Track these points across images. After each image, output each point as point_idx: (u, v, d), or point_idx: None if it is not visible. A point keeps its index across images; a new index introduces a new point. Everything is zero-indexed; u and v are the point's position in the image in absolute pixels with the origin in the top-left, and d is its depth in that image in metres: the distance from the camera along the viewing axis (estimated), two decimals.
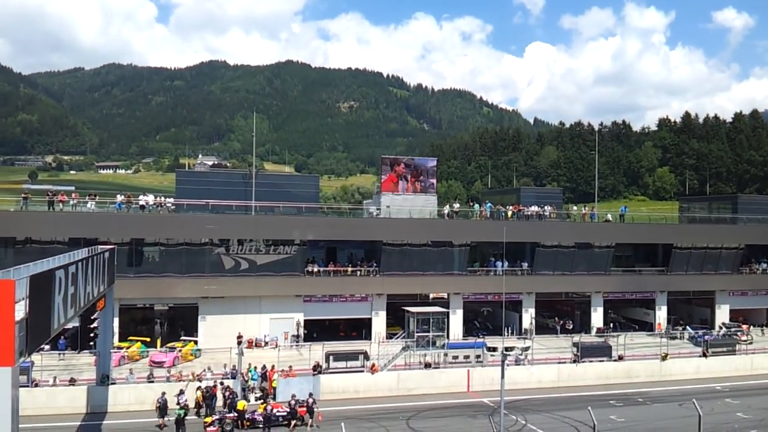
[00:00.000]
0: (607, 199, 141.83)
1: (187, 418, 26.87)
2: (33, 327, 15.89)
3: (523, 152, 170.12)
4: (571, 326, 49.16)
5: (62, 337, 37.26)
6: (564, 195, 68.09)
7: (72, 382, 31.03)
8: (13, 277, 15.09)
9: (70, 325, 31.42)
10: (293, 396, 29.11)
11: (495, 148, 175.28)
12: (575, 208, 56.86)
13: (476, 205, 51.96)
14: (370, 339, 43.64)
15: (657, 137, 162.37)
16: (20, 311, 15.12)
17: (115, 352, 34.77)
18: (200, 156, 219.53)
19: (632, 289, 51.57)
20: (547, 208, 50.89)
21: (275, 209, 44.59)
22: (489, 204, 51.35)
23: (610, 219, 53.72)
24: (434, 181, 50.21)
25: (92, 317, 29.09)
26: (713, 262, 52.21)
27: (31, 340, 15.89)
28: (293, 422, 27.91)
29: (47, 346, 33.98)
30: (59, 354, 37.20)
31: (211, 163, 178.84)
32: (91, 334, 27.59)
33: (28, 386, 28.92)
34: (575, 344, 39.23)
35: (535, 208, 50.24)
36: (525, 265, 48.61)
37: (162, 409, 27.88)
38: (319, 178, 57.16)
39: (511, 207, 50.13)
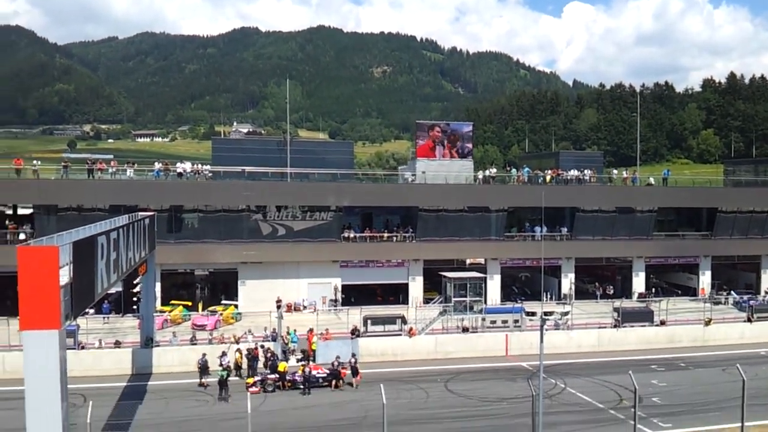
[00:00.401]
0: (649, 162, 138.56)
1: (229, 379, 27.42)
2: (77, 291, 16.25)
3: (561, 115, 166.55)
4: (611, 291, 48.44)
5: (106, 301, 38.21)
6: (604, 159, 66.68)
7: (117, 344, 31.87)
8: (57, 243, 15.36)
9: (113, 290, 32.18)
10: (337, 357, 29.56)
11: (533, 112, 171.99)
12: (616, 171, 55.48)
13: (513, 170, 51.17)
14: (407, 304, 43.75)
15: (701, 99, 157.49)
16: (65, 276, 15.47)
17: (158, 316, 35.53)
18: (235, 123, 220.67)
19: (675, 253, 50.49)
20: (587, 172, 49.84)
21: (310, 176, 44.64)
22: (527, 168, 50.53)
23: (653, 183, 52.38)
24: (470, 146, 49.54)
25: (135, 282, 29.76)
26: (759, 226, 50.69)
27: (76, 304, 16.26)
28: (334, 382, 28.37)
29: (92, 311, 34.88)
30: (104, 318, 38.19)
31: (245, 130, 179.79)
32: (135, 299, 28.20)
33: (74, 349, 29.73)
34: (616, 309, 38.69)
35: (574, 173, 49.27)
36: (564, 230, 47.91)
37: (203, 369, 28.59)
38: (353, 144, 57.07)
39: (549, 171, 49.24)
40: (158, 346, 31.59)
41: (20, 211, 47.65)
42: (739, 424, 19.08)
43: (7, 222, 42.36)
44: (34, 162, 42.61)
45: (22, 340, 14.80)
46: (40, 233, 34.58)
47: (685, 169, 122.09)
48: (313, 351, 31.91)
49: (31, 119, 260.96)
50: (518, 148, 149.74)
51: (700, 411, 26.13)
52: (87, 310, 29.28)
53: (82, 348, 30.98)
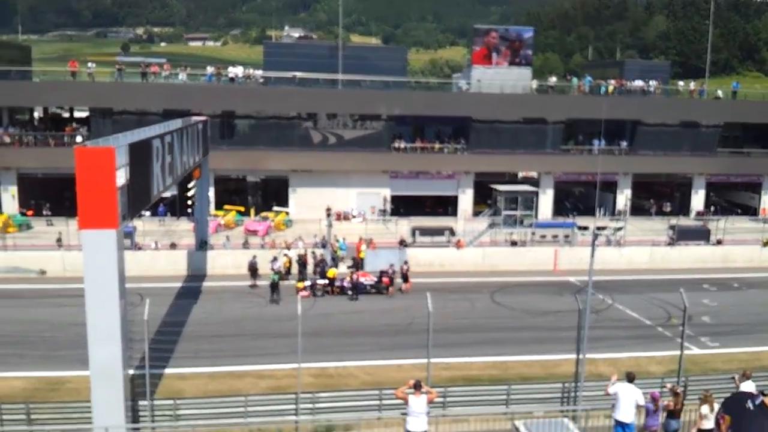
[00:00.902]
0: (718, 74, 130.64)
1: (280, 282, 28.24)
2: (133, 192, 16.52)
3: (629, 22, 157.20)
4: (669, 209, 47.03)
5: (162, 204, 39.32)
6: (672, 69, 63.14)
7: (173, 246, 33.00)
8: (113, 145, 15.50)
9: (168, 193, 32.98)
10: (391, 265, 30.18)
11: (598, 17, 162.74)
12: (682, 83, 52.61)
13: (574, 79, 49.09)
14: (456, 216, 43.61)
15: None
16: (121, 177, 15.70)
17: (212, 220, 36.41)
18: (287, 28, 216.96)
19: (738, 171, 48.35)
20: (653, 83, 47.32)
21: (362, 83, 43.83)
22: (588, 78, 48.27)
23: (721, 96, 49.57)
24: (530, 52, 47.46)
25: (189, 186, 30.34)
26: None
27: (132, 205, 16.60)
28: (390, 288, 29.31)
29: (148, 213, 36.04)
30: (160, 220, 39.43)
31: (297, 35, 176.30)
32: (189, 203, 28.81)
33: (131, 249, 30.90)
34: (671, 227, 37.75)
35: (639, 83, 46.90)
36: (624, 144, 46.26)
37: (253, 270, 29.54)
38: (406, 50, 55.52)
39: (612, 81, 46.98)
40: (212, 249, 32.61)
41: (76, 114, 48.80)
42: None
43: (66, 125, 43.50)
44: (89, 65, 43.05)
45: (81, 239, 15.19)
46: (96, 136, 35.22)
47: (756, 83, 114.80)
48: (362, 259, 32.40)
49: (85, 21, 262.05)
50: (581, 57, 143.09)
51: (750, 332, 25.72)
52: (143, 213, 30.31)
53: (139, 249, 32.19)
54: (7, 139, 40.80)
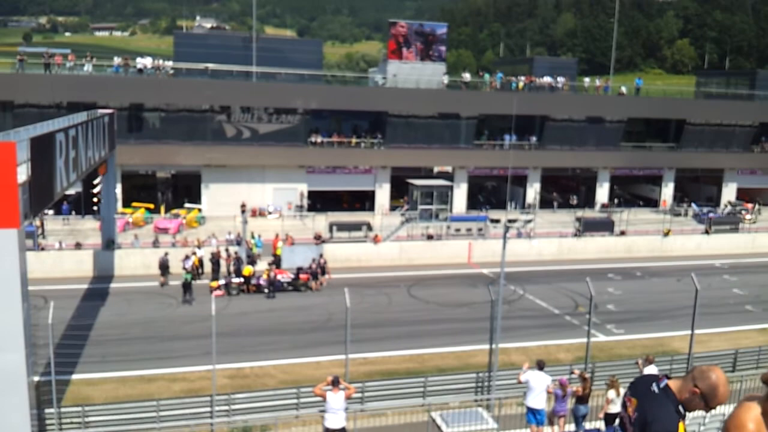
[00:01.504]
0: (623, 71, 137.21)
1: (192, 282, 27.51)
2: (36, 189, 15.82)
3: (539, 19, 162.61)
4: (575, 202, 49.10)
5: (65, 202, 37.36)
6: (579, 66, 65.65)
7: (78, 246, 31.44)
8: (14, 139, 14.76)
9: (72, 191, 31.46)
10: (314, 259, 30.29)
11: (509, 14, 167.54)
12: (588, 80, 54.95)
13: (486, 75, 50.25)
14: (374, 211, 43.81)
15: (680, 7, 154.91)
16: (22, 174, 15.00)
17: (120, 218, 34.96)
18: (198, 18, 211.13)
19: (640, 165, 51.01)
20: (560, 79, 49.11)
21: (277, 76, 43.18)
22: (500, 74, 49.61)
23: (624, 92, 52.08)
24: (444, 48, 48.15)
25: (95, 183, 29.03)
26: (725, 140, 51.28)
27: (35, 202, 15.88)
28: (315, 282, 29.52)
29: (51, 211, 34.22)
30: (63, 219, 37.49)
31: (209, 25, 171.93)
32: (94, 199, 27.58)
33: (34, 250, 29.32)
34: (578, 219, 39.36)
35: (548, 79, 48.52)
36: (533, 139, 47.81)
37: (164, 267, 28.72)
38: (322, 43, 55.16)
39: (522, 78, 48.42)
40: (120, 248, 31.29)
41: None
42: (689, 332, 19.87)
43: None
44: None
45: None
46: None
47: (657, 80, 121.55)
48: (278, 256, 32.02)
49: None
50: (493, 53, 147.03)
51: (653, 318, 27.22)
52: (46, 211, 28.77)
53: (42, 249, 30.54)
54: None
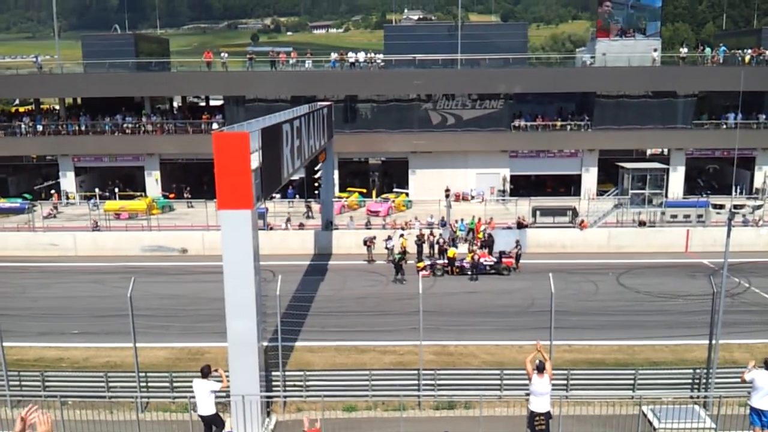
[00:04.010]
0: None
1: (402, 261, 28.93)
2: (266, 175, 17.14)
3: None
4: None
5: (291, 186, 41.22)
6: None
7: (301, 227, 34.64)
8: (247, 130, 16.07)
9: (296, 176, 34.51)
10: (517, 241, 30.59)
11: None
12: None
13: (707, 50, 45.93)
14: (579, 196, 42.39)
15: None
16: (255, 161, 16.32)
17: (336, 202, 37.78)
18: (405, 10, 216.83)
19: None
20: None
21: (481, 62, 43.43)
22: (723, 48, 45.05)
23: None
24: (659, 23, 44.88)
25: (315, 168, 31.60)
26: None
27: (266, 186, 17.33)
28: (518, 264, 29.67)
29: (278, 195, 37.92)
30: (289, 202, 41.40)
31: (416, 17, 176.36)
32: (316, 184, 30.03)
33: (264, 229, 32.72)
34: None
35: None
36: (762, 117, 42.83)
37: (368, 245, 30.87)
38: (527, 26, 54.20)
39: (750, 51, 43.51)
40: (337, 229, 33.90)
41: (212, 103, 52.03)
42: None
43: (202, 113, 46.51)
44: (222, 55, 45.68)
45: (219, 220, 16.00)
46: (230, 122, 37.49)
47: None
48: (482, 239, 32.41)
49: (217, 14, 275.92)
50: (714, 26, 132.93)
51: None
52: (274, 195, 31.98)
53: (271, 229, 34.06)
54: (150, 128, 44.34)
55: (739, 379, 14.12)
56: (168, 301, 26.04)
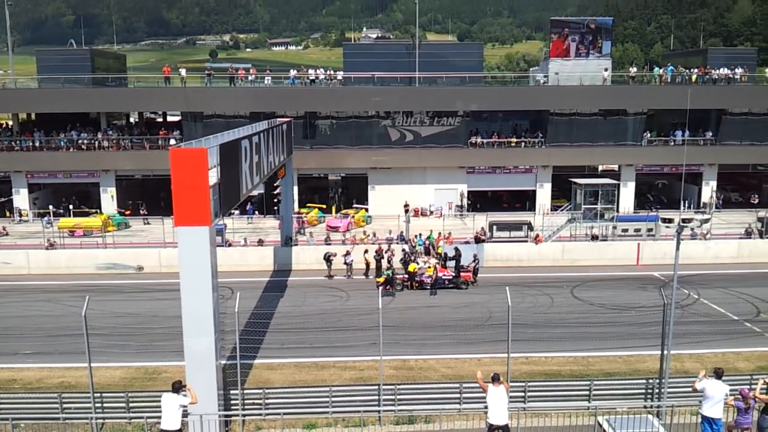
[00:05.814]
0: None
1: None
2: (224, 191, 17.09)
3: (711, 8, 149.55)
4: (756, 200, 45.06)
5: (249, 203, 41.01)
6: (758, 56, 59.92)
7: (260, 243, 34.47)
8: (205, 146, 15.95)
9: (255, 192, 34.41)
10: (475, 255, 30.96)
11: (679, 5, 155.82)
12: None
13: (656, 69, 47.59)
14: (534, 211, 43.26)
15: None
16: (213, 177, 16.24)
17: (296, 217, 37.72)
18: (364, 29, 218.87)
19: None
20: (738, 70, 45.27)
21: (438, 80, 44.15)
22: (671, 67, 46.79)
23: None
24: (609, 43, 46.37)
25: (275, 185, 31.56)
26: None
27: (224, 203, 17.23)
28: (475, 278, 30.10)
29: (237, 212, 37.66)
30: (248, 218, 41.15)
31: (375, 35, 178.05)
32: (275, 200, 29.99)
33: (222, 246, 32.53)
34: (760, 219, 36.14)
35: (724, 71, 44.99)
36: (709, 134, 44.56)
37: (328, 260, 31.12)
38: (482, 46, 55.35)
39: (696, 70, 45.33)
40: (296, 245, 33.85)
41: (169, 119, 51.46)
42: None
43: (159, 129, 45.96)
44: (181, 71, 45.34)
45: (177, 236, 15.92)
46: (188, 138, 37.14)
47: None
48: (443, 254, 32.76)
49: (175, 30, 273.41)
50: (662, 46, 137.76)
51: None
52: (232, 211, 31.77)
53: (229, 245, 33.80)
54: (106, 143, 43.58)
55: (690, 389, 14.53)
56: (124, 319, 25.56)
